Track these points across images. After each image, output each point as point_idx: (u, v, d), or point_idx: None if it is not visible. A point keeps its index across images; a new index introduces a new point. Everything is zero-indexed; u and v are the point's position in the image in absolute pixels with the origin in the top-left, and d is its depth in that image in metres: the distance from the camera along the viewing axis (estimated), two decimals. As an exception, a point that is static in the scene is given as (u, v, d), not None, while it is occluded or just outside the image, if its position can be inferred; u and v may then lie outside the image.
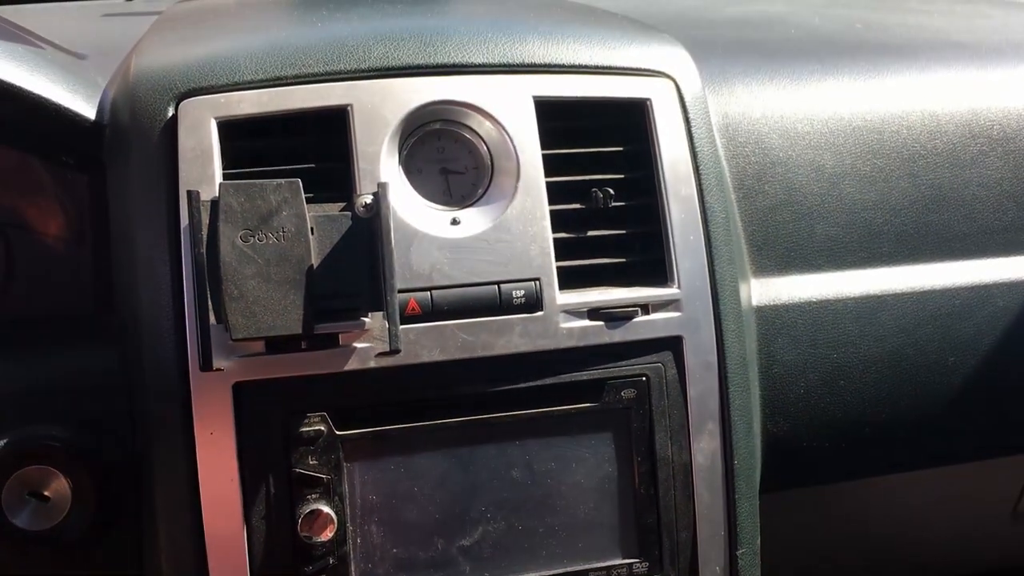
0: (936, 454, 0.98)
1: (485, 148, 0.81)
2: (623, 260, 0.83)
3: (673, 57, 0.87)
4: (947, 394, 0.94)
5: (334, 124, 0.78)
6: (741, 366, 0.83)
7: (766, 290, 0.91)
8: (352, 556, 0.75)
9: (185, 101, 0.76)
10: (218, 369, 0.72)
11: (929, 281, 0.95)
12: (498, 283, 0.78)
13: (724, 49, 1.04)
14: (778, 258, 0.92)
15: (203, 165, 0.74)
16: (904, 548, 1.12)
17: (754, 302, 0.90)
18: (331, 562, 0.74)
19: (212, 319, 0.70)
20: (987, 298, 0.96)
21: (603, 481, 0.80)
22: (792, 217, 0.93)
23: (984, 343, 0.95)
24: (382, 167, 0.77)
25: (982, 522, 1.11)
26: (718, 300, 0.82)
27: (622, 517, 0.80)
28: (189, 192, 0.70)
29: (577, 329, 0.79)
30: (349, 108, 0.77)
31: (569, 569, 0.79)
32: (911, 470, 0.99)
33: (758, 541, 0.85)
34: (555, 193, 0.81)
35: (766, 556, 0.86)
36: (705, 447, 0.82)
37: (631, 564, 0.80)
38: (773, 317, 0.90)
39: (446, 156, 0.81)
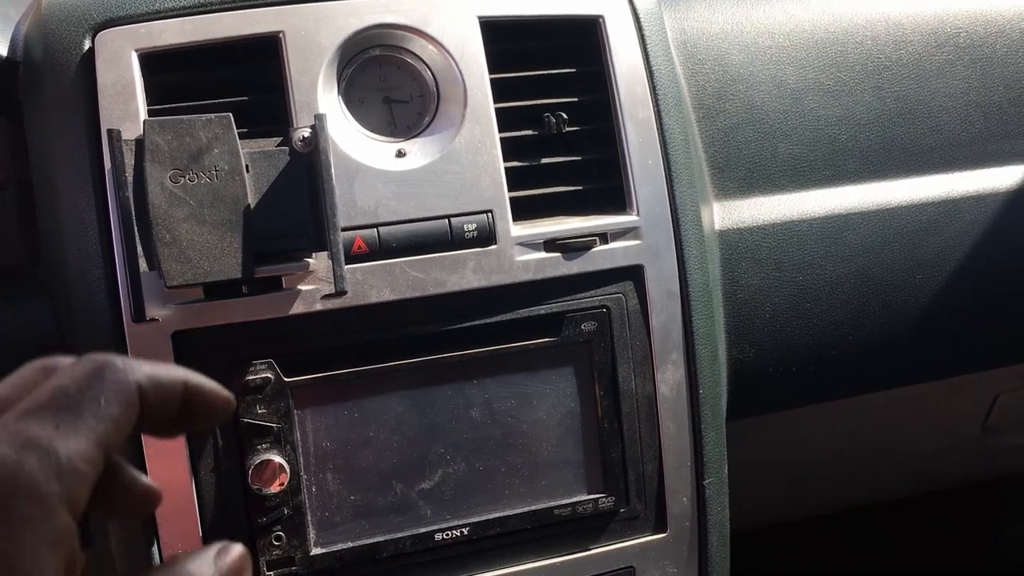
0: (904, 373, 0.97)
1: (430, 74, 0.77)
2: (579, 188, 0.79)
3: (626, -30, 0.82)
4: (914, 312, 0.93)
5: (265, 53, 0.73)
6: (704, 293, 0.81)
7: (728, 213, 0.88)
8: (307, 505, 0.73)
9: (102, 32, 0.70)
10: (153, 319, 0.68)
11: (895, 198, 0.93)
12: (448, 217, 0.74)
13: (680, -39, 1.00)
14: (740, 179, 0.90)
15: (125, 101, 0.69)
16: (875, 468, 1.12)
17: (716, 226, 0.87)
18: (286, 512, 0.72)
19: (144, 266, 0.66)
20: (954, 213, 0.93)
21: (565, 417, 0.78)
22: (754, 136, 0.90)
23: (951, 259, 0.93)
24: (320, 97, 0.73)
25: (953, 438, 1.11)
26: (679, 226, 0.80)
27: (586, 453, 0.78)
28: (110, 131, 0.65)
29: (533, 262, 0.76)
30: (281, 35, 0.73)
31: (533, 507, 0.77)
32: (879, 390, 0.98)
33: (725, 469, 0.83)
34: (505, 120, 0.77)
35: (734, 484, 0.84)
36: (669, 377, 0.80)
37: (596, 499, 0.79)
38: (736, 241, 0.87)
39: (388, 84, 0.77)
